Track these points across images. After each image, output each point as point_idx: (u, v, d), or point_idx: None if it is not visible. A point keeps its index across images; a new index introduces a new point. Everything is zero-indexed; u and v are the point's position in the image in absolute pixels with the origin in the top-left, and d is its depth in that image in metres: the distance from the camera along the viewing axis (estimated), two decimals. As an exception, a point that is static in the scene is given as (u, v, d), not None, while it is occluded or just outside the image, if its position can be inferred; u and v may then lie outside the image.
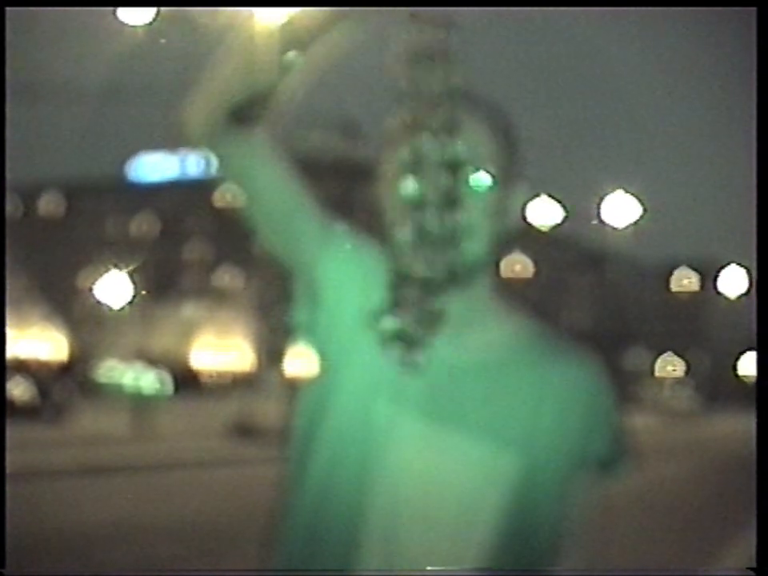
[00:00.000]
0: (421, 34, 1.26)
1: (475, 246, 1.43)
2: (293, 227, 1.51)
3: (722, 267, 70.71)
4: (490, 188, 1.46)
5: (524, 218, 1.58)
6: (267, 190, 1.49)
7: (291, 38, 1.35)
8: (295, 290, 1.56)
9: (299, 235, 1.51)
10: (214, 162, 1.50)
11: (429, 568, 1.46)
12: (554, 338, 1.57)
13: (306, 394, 1.56)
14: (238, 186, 1.53)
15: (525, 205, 1.57)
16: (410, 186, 1.26)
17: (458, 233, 1.33)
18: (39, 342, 62.36)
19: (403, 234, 1.29)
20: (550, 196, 33.01)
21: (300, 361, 1.68)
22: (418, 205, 1.27)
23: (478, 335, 1.51)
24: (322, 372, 1.54)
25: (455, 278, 1.34)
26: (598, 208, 35.96)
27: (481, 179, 1.46)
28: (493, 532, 1.46)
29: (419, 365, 1.39)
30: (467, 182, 1.42)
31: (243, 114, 1.41)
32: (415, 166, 1.28)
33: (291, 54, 1.35)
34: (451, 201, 1.29)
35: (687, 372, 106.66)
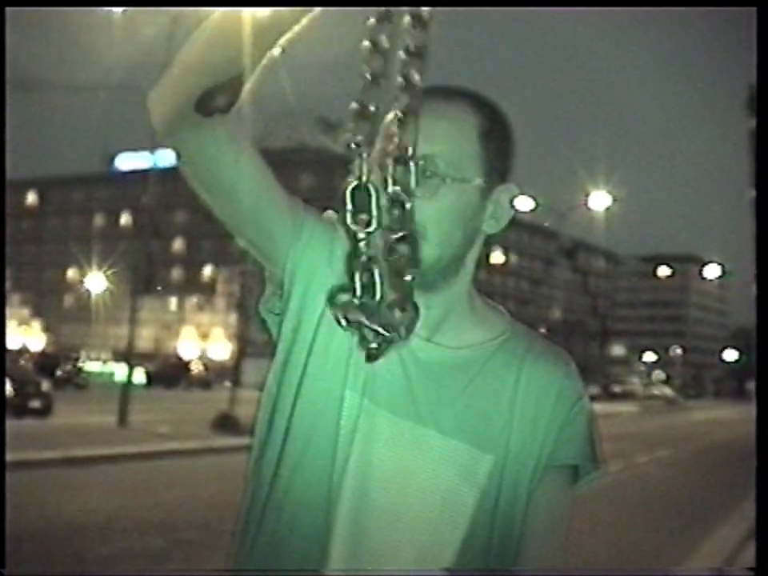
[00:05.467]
0: (386, 27, 1.20)
1: (431, 250, 1.41)
2: (263, 218, 1.45)
3: (702, 259, 71.08)
4: (455, 191, 1.45)
5: (508, 225, 1.55)
6: (236, 180, 1.41)
7: (261, 27, 1.24)
8: (265, 280, 1.53)
9: (270, 226, 1.46)
10: (181, 149, 1.39)
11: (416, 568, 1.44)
12: (529, 338, 1.56)
13: (272, 385, 1.52)
14: (208, 176, 1.42)
15: (506, 209, 1.52)
16: (359, 174, 1.24)
17: (407, 227, 1.25)
18: (20, 336, 62.00)
19: (355, 219, 1.22)
20: (531, 197, 33.02)
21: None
22: (367, 195, 1.25)
23: (454, 334, 1.50)
24: (290, 363, 1.50)
25: (406, 271, 1.25)
26: (585, 201, 36.07)
27: (445, 182, 1.44)
28: (461, 530, 1.45)
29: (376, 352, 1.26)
30: (420, 178, 1.34)
31: (210, 101, 1.32)
32: (364, 154, 1.22)
33: (261, 44, 1.26)
34: (399, 194, 1.23)
35: (670, 361, 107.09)
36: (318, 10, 1.22)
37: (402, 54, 1.20)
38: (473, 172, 1.47)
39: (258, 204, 1.43)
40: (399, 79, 1.20)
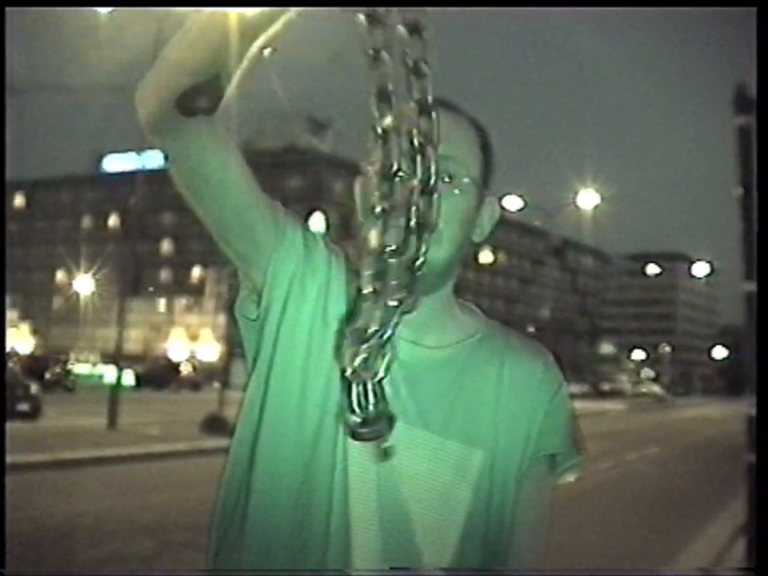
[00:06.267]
0: (379, 33, 1.14)
1: (440, 251, 1.43)
2: (247, 221, 1.44)
3: (690, 257, 71.35)
4: (465, 194, 1.48)
5: (492, 230, 1.59)
6: (221, 182, 1.39)
7: (239, 27, 1.20)
8: (245, 285, 1.52)
9: (254, 229, 1.45)
10: (166, 148, 1.37)
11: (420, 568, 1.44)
12: (505, 334, 1.59)
13: (254, 394, 1.52)
14: (193, 177, 1.40)
15: (494, 220, 1.58)
16: (379, 194, 1.20)
17: (427, 238, 1.20)
18: (8, 338, 61.73)
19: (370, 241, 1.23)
20: (520, 196, 33.09)
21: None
22: (384, 213, 1.21)
23: (437, 334, 1.51)
24: (273, 373, 1.49)
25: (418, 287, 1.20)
26: (573, 199, 36.16)
27: (459, 184, 1.47)
28: (459, 527, 1.46)
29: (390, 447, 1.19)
30: (439, 186, 1.39)
31: (191, 101, 1.29)
32: (385, 173, 1.22)
33: (240, 44, 1.22)
34: (421, 207, 1.24)
35: (659, 358, 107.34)
36: (293, 10, 1.19)
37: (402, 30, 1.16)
38: (479, 178, 1.51)
39: (242, 206, 1.43)
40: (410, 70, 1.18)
